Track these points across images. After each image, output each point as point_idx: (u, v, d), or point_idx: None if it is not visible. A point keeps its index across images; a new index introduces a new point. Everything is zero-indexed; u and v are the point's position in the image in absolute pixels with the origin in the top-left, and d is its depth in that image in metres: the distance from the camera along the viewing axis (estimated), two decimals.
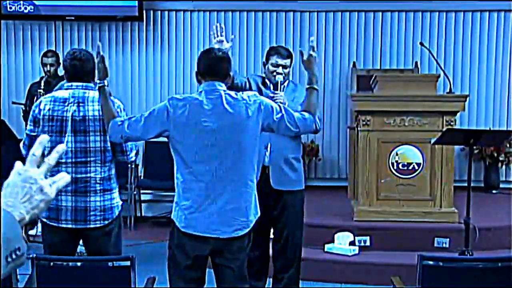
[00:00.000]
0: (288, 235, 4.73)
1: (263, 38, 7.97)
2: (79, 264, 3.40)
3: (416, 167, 5.94)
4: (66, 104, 3.81)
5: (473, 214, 5.25)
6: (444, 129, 5.71)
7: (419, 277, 3.43)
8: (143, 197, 7.83)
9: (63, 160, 3.79)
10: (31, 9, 7.78)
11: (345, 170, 7.88)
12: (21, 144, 3.99)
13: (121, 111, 3.84)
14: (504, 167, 7.86)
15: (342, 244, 5.75)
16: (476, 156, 7.54)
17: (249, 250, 3.66)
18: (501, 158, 7.66)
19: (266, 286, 4.99)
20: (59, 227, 3.84)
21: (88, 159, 3.80)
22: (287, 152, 4.66)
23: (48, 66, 6.87)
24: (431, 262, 3.42)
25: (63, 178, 1.56)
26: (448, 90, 6.06)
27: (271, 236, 4.90)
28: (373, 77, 6.26)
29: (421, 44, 6.73)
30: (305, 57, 3.86)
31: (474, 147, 5.51)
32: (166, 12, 8.06)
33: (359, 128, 6.06)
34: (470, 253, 5.10)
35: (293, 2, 7.90)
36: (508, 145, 7.60)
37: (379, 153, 5.96)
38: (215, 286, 3.67)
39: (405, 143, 5.94)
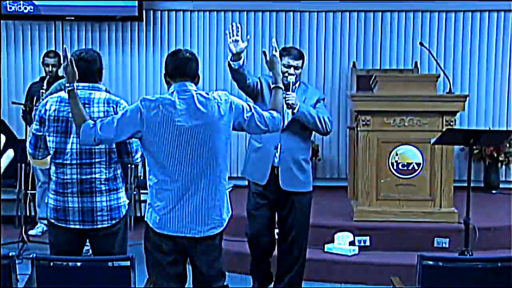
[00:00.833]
0: (294, 236, 4.75)
1: (263, 38, 7.96)
2: (79, 264, 3.40)
3: (416, 167, 5.94)
4: None
5: (473, 214, 5.25)
6: (444, 129, 5.72)
7: (419, 277, 3.43)
8: (142, 197, 7.81)
9: (68, 162, 3.78)
10: (31, 9, 7.77)
11: (345, 170, 7.88)
12: (27, 143, 3.99)
13: None
14: (504, 167, 7.85)
15: (342, 244, 5.75)
16: (476, 156, 7.54)
17: (221, 247, 3.67)
18: (501, 158, 7.65)
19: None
20: (67, 228, 3.83)
21: (93, 160, 3.79)
22: (297, 153, 4.68)
23: (50, 66, 6.86)
24: (431, 262, 3.42)
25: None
26: (448, 90, 6.07)
27: (276, 236, 4.92)
28: (373, 77, 6.26)
29: (421, 44, 6.74)
30: (268, 58, 3.95)
31: (474, 147, 5.51)
32: (166, 12, 8.05)
33: (359, 128, 6.06)
34: (470, 253, 5.10)
35: (293, 2, 7.89)
36: (508, 145, 7.60)
37: (379, 153, 5.96)
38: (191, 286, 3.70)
39: (405, 143, 5.94)
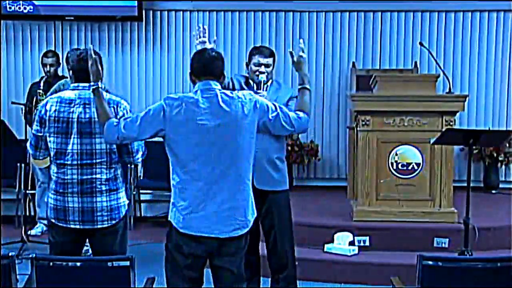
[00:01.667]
0: (276, 236, 4.72)
1: (263, 38, 7.97)
2: (78, 264, 3.40)
3: (416, 167, 5.94)
4: (72, 105, 3.80)
5: (473, 214, 5.25)
6: (443, 129, 5.72)
7: (418, 277, 3.43)
8: (142, 197, 7.83)
9: (69, 162, 3.78)
10: (30, 9, 7.77)
11: (344, 170, 7.88)
12: (28, 144, 3.99)
13: (127, 112, 3.83)
14: (503, 167, 7.85)
15: (342, 244, 5.75)
16: (475, 156, 7.55)
17: (246, 251, 3.65)
18: (500, 158, 7.66)
19: (264, 286, 4.99)
20: (67, 228, 3.83)
21: (94, 161, 3.79)
22: (271, 152, 4.65)
23: (48, 66, 6.87)
24: (430, 262, 3.42)
25: None
26: (447, 90, 6.07)
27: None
28: (373, 77, 6.26)
29: (421, 44, 6.74)
30: (295, 59, 3.91)
31: (474, 147, 5.51)
32: (166, 12, 8.05)
33: (358, 128, 6.06)
34: (470, 253, 5.10)
35: (293, 2, 7.90)
36: (507, 145, 7.60)
37: (378, 153, 5.96)
38: (213, 287, 3.65)
39: (404, 143, 5.94)
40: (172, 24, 8.05)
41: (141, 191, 7.73)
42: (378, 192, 5.99)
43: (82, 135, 3.78)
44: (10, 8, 7.74)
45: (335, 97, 8.02)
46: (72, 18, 7.83)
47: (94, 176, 3.80)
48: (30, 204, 7.17)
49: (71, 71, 3.95)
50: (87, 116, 3.77)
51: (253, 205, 3.60)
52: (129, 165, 7.14)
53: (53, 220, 3.87)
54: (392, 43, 7.97)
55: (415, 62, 7.86)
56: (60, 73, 6.96)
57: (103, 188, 3.82)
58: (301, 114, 3.67)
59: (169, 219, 3.56)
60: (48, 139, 3.83)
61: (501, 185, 7.81)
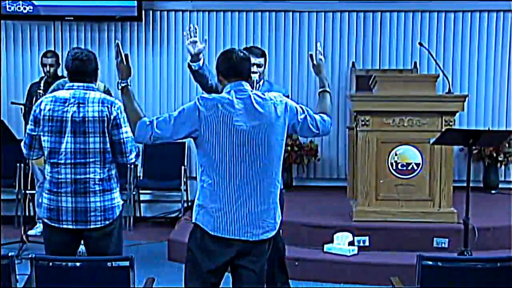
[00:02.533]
0: None
1: (262, 38, 7.97)
2: (78, 264, 3.40)
3: (415, 167, 5.95)
4: (67, 104, 3.80)
5: (472, 214, 5.25)
6: (443, 129, 5.72)
7: (418, 277, 3.42)
8: (142, 197, 7.83)
9: (63, 161, 3.79)
10: (30, 9, 7.77)
11: (344, 170, 7.89)
12: (22, 144, 3.99)
13: (121, 112, 3.83)
14: (503, 167, 7.86)
15: (341, 244, 5.75)
16: (475, 156, 7.55)
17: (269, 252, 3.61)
18: (500, 158, 7.66)
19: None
20: (60, 228, 3.83)
21: (88, 160, 3.79)
22: None
23: (48, 66, 6.86)
24: (430, 262, 3.42)
25: None
26: (447, 90, 6.07)
27: None
28: (372, 77, 6.26)
29: (420, 44, 6.74)
30: (315, 62, 3.92)
31: (473, 147, 5.51)
32: (165, 12, 8.06)
33: (358, 128, 6.06)
34: (469, 253, 5.10)
35: (292, 2, 7.90)
36: (507, 145, 7.61)
37: (378, 153, 5.96)
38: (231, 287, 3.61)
39: (404, 143, 5.95)
40: (171, 24, 8.06)
41: (140, 191, 7.73)
42: (377, 192, 5.99)
43: (76, 134, 3.78)
44: (9, 8, 7.74)
45: (334, 97, 7.99)
46: (71, 18, 7.83)
47: (87, 175, 3.80)
48: (29, 204, 7.17)
49: (66, 70, 3.95)
50: (81, 115, 3.77)
51: (279, 207, 3.58)
52: (128, 165, 7.20)
53: (46, 220, 3.87)
54: (392, 43, 7.97)
55: (415, 62, 7.86)
56: (59, 73, 6.96)
57: (97, 188, 3.81)
58: (325, 117, 3.69)
59: (195, 221, 3.48)
60: (42, 138, 3.83)
61: (500, 185, 7.81)
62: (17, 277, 3.45)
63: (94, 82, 3.89)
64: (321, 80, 3.87)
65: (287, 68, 7.88)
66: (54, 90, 5.89)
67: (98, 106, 3.78)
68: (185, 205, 7.40)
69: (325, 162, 8.08)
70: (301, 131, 3.61)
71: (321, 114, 3.69)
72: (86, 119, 3.77)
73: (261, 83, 4.70)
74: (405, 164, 5.96)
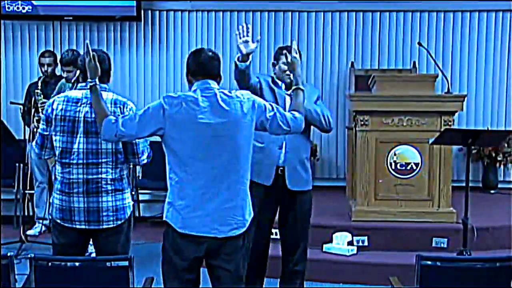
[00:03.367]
0: (296, 236, 4.75)
1: (261, 38, 7.95)
2: (77, 264, 3.40)
3: (414, 167, 5.95)
4: (79, 104, 3.79)
5: (471, 214, 5.26)
6: (442, 129, 5.72)
7: (417, 277, 3.43)
8: (141, 197, 7.82)
9: (75, 161, 3.77)
10: (29, 9, 7.77)
11: (343, 170, 7.89)
12: (33, 143, 3.98)
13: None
14: (502, 167, 7.86)
15: (340, 244, 5.75)
16: (474, 156, 7.55)
17: (245, 250, 3.63)
18: (499, 158, 7.66)
19: (272, 286, 4.99)
20: (73, 228, 3.82)
21: (100, 160, 3.78)
22: (302, 152, 4.67)
23: (46, 66, 6.86)
24: (429, 262, 3.43)
25: None
26: (446, 90, 6.07)
27: (275, 236, 4.91)
28: (371, 77, 6.26)
29: (419, 44, 6.74)
30: (289, 60, 3.95)
31: (472, 147, 5.52)
32: (164, 12, 8.06)
33: (357, 128, 6.06)
34: (468, 253, 5.11)
35: (291, 2, 7.90)
36: (506, 145, 7.61)
37: (377, 153, 5.96)
38: (211, 287, 3.63)
39: (403, 143, 5.94)
40: (170, 24, 8.06)
41: (139, 191, 7.72)
42: (376, 192, 5.99)
43: (88, 135, 3.77)
44: (8, 8, 7.74)
45: (333, 97, 8.02)
46: (70, 18, 7.83)
47: (99, 175, 3.79)
48: (28, 204, 7.16)
49: (78, 71, 3.94)
50: (94, 115, 3.76)
51: (250, 204, 3.60)
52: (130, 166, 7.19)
53: (58, 221, 3.84)
54: (391, 43, 7.97)
55: (414, 62, 7.87)
56: (58, 73, 6.95)
57: (109, 188, 3.81)
58: (296, 114, 3.70)
59: (165, 219, 3.54)
60: (54, 138, 3.82)
61: (499, 185, 7.82)
62: (16, 277, 3.46)
63: (106, 83, 3.88)
64: (295, 78, 3.89)
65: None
66: (59, 91, 5.93)
67: (111, 106, 3.77)
68: None
69: (324, 162, 8.08)
70: (270, 128, 3.62)
71: (293, 112, 3.71)
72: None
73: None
74: (404, 164, 5.96)
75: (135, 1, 7.76)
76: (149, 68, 8.07)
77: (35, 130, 6.21)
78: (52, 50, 7.39)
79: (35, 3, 7.76)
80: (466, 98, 6.12)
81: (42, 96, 6.35)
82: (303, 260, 4.82)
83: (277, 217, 4.83)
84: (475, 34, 7.93)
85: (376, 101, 5.99)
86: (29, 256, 3.40)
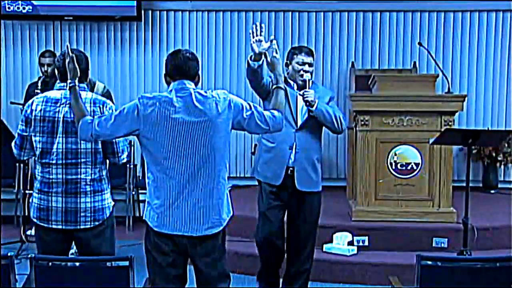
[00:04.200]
0: (304, 236, 4.75)
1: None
2: (77, 264, 3.40)
3: (415, 167, 5.94)
4: (58, 105, 3.79)
5: (472, 214, 5.25)
6: (442, 129, 5.72)
7: (417, 277, 3.43)
8: (141, 197, 7.81)
9: (54, 162, 3.77)
10: (29, 9, 7.77)
11: (343, 170, 7.89)
12: (12, 144, 3.98)
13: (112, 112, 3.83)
14: (502, 167, 7.86)
15: (341, 244, 5.75)
16: (474, 156, 7.55)
17: (224, 248, 3.64)
18: (499, 158, 7.66)
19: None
20: (50, 228, 3.82)
21: (79, 160, 3.78)
22: (312, 153, 4.68)
23: (46, 66, 6.85)
24: (429, 262, 3.43)
25: None
26: (446, 90, 6.07)
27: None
28: (372, 77, 6.26)
29: (420, 44, 6.74)
30: (269, 59, 3.94)
31: (473, 147, 5.52)
32: (165, 12, 8.06)
33: (357, 128, 6.06)
34: (469, 253, 5.10)
35: (291, 2, 7.90)
36: (506, 145, 7.61)
37: (377, 153, 5.96)
38: (195, 287, 3.65)
39: (403, 143, 5.95)
40: (171, 24, 8.06)
41: (140, 191, 7.72)
42: (377, 192, 5.99)
43: (67, 135, 3.77)
44: (9, 8, 7.74)
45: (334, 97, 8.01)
46: (71, 18, 7.83)
47: (78, 176, 3.79)
48: (29, 204, 7.15)
49: (56, 71, 3.93)
50: (73, 115, 3.76)
51: (229, 204, 3.62)
52: (127, 165, 7.19)
53: (35, 220, 3.86)
54: (391, 43, 7.97)
55: (414, 62, 7.87)
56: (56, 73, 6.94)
57: (88, 188, 3.81)
58: (275, 113, 3.68)
59: (144, 218, 3.58)
60: (33, 138, 3.83)
61: (500, 185, 7.81)
62: (17, 277, 3.46)
63: (84, 82, 3.87)
64: (275, 77, 3.87)
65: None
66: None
67: (90, 106, 3.78)
68: None
69: (325, 162, 8.05)
70: (248, 127, 3.62)
71: (272, 111, 3.70)
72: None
73: (310, 83, 4.69)
74: (404, 164, 5.95)
75: (135, 1, 7.76)
76: (149, 68, 8.07)
77: None
78: (52, 50, 7.39)
79: (35, 3, 7.76)
80: (466, 98, 6.11)
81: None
82: (309, 261, 4.83)
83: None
84: (475, 34, 7.93)
85: (377, 101, 5.99)
86: (29, 256, 3.40)
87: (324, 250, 5.77)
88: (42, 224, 3.83)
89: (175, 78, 3.56)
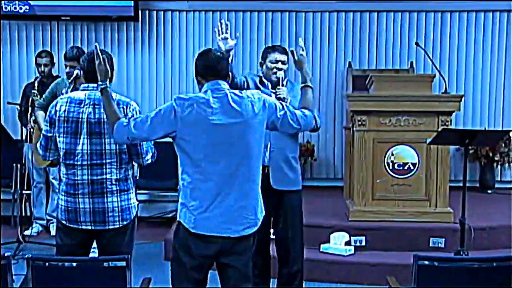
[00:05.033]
0: (289, 237, 4.73)
1: (259, 38, 7.97)
2: (74, 264, 3.39)
3: (412, 167, 5.95)
4: (82, 105, 3.78)
5: (469, 214, 5.26)
6: (439, 129, 5.73)
7: (414, 277, 3.43)
8: (138, 197, 7.76)
9: (79, 163, 3.76)
10: (26, 9, 7.77)
11: (340, 170, 7.89)
12: (38, 145, 3.96)
13: (136, 113, 3.80)
14: (499, 167, 7.87)
15: (338, 244, 5.75)
16: (471, 156, 7.56)
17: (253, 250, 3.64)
18: (496, 158, 7.67)
19: (270, 286, 4.99)
20: (79, 229, 3.81)
21: (104, 161, 3.77)
22: (287, 151, 4.66)
23: (42, 66, 6.85)
24: (426, 262, 3.43)
25: None
26: (443, 90, 6.08)
27: (272, 236, 4.91)
28: (369, 77, 6.26)
29: (417, 44, 6.74)
30: (296, 58, 3.95)
31: (470, 147, 5.52)
32: (162, 12, 8.06)
33: (354, 128, 6.06)
34: (466, 253, 5.11)
35: (288, 2, 7.90)
36: (503, 145, 7.62)
37: (374, 153, 5.96)
38: (219, 287, 3.62)
39: (400, 143, 5.95)
40: (168, 24, 8.06)
41: (137, 191, 7.71)
42: (374, 192, 5.99)
43: (91, 136, 3.76)
44: (5, 8, 7.73)
45: (331, 97, 8.03)
46: (68, 18, 7.83)
47: (104, 176, 3.77)
48: (26, 204, 7.15)
49: (81, 71, 3.93)
50: (97, 116, 3.75)
51: (262, 203, 3.60)
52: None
53: (64, 222, 3.83)
54: (388, 43, 7.98)
55: (411, 62, 7.87)
56: (54, 73, 6.94)
57: (114, 188, 3.79)
58: (306, 112, 3.70)
59: (178, 219, 3.53)
60: (57, 139, 3.82)
61: (496, 185, 7.83)
62: (14, 277, 3.45)
63: (109, 83, 3.87)
64: (303, 76, 3.89)
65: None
66: (53, 90, 5.91)
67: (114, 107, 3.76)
68: None
69: (322, 162, 8.08)
70: (281, 127, 3.63)
71: (303, 110, 3.71)
72: (102, 120, 3.74)
73: (285, 82, 4.70)
74: (401, 164, 5.96)
75: (132, 1, 7.75)
76: (146, 68, 8.07)
77: (31, 130, 6.21)
78: (49, 50, 7.39)
79: (32, 3, 7.75)
80: (463, 98, 6.12)
81: (38, 96, 6.33)
82: (298, 260, 4.80)
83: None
84: (472, 34, 7.94)
85: (374, 101, 5.99)
86: (26, 256, 3.40)
87: (321, 250, 5.77)
88: (71, 225, 3.81)
89: (207, 78, 3.51)
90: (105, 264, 3.38)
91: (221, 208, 3.44)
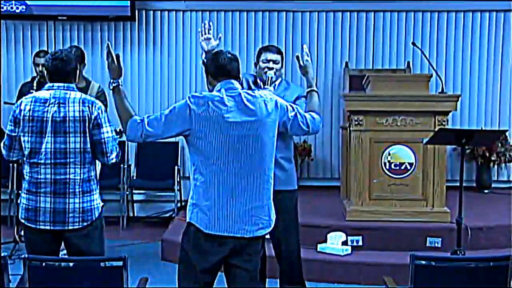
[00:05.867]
0: (284, 237, 4.72)
1: (256, 38, 7.97)
2: (71, 264, 3.39)
3: (409, 167, 5.95)
4: (47, 104, 3.78)
5: (465, 214, 5.26)
6: (436, 129, 5.73)
7: (411, 276, 3.43)
8: (135, 197, 7.82)
9: (42, 161, 3.76)
10: (23, 9, 7.76)
11: (337, 170, 7.89)
12: (1, 144, 3.96)
13: (102, 112, 3.82)
14: (496, 167, 7.88)
15: (335, 244, 5.76)
16: (468, 156, 7.57)
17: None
18: (493, 158, 7.67)
19: (272, 287, 4.98)
20: (37, 229, 3.80)
21: (68, 160, 3.76)
22: (277, 152, 4.64)
23: (41, 66, 6.81)
24: (423, 262, 3.43)
25: None
26: (440, 90, 6.08)
27: (267, 236, 4.90)
28: (366, 77, 6.27)
29: (413, 44, 6.75)
30: (301, 63, 4.02)
31: (466, 147, 5.52)
32: (159, 12, 8.06)
33: (351, 128, 6.07)
34: (462, 253, 5.11)
35: (285, 2, 7.90)
36: (500, 145, 7.63)
37: (371, 153, 5.97)
38: (225, 287, 3.60)
39: (397, 143, 5.95)
40: (165, 24, 8.05)
41: (134, 191, 7.72)
42: (371, 192, 6.00)
43: (56, 134, 3.75)
44: (2, 7, 7.72)
45: (328, 97, 8.03)
46: (64, 18, 7.82)
47: (67, 176, 3.77)
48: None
49: (45, 71, 3.91)
50: (62, 115, 3.75)
51: (273, 204, 3.60)
52: (121, 165, 7.19)
53: (23, 221, 3.84)
54: (385, 43, 7.99)
55: (408, 62, 7.88)
56: None
57: (77, 189, 3.79)
58: (314, 115, 3.77)
59: (189, 220, 3.48)
60: (22, 138, 3.81)
61: (493, 185, 7.84)
62: (10, 277, 3.45)
63: (74, 82, 3.86)
64: (308, 80, 3.96)
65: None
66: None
67: (79, 106, 3.77)
68: (178, 205, 7.40)
69: (319, 162, 8.09)
70: (291, 129, 3.66)
71: (311, 113, 3.78)
72: (67, 118, 3.74)
73: (277, 81, 4.69)
74: (398, 163, 5.96)
75: (129, 1, 7.75)
76: (143, 68, 8.07)
77: None
78: (46, 50, 7.38)
79: (28, 3, 7.75)
80: (460, 98, 6.13)
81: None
82: (295, 260, 4.80)
83: None
84: (468, 34, 7.95)
85: (370, 101, 5.99)
86: (23, 256, 3.40)
87: (318, 250, 5.78)
88: (29, 225, 3.81)
89: (218, 78, 3.51)
90: (102, 264, 3.37)
91: (234, 207, 3.42)
